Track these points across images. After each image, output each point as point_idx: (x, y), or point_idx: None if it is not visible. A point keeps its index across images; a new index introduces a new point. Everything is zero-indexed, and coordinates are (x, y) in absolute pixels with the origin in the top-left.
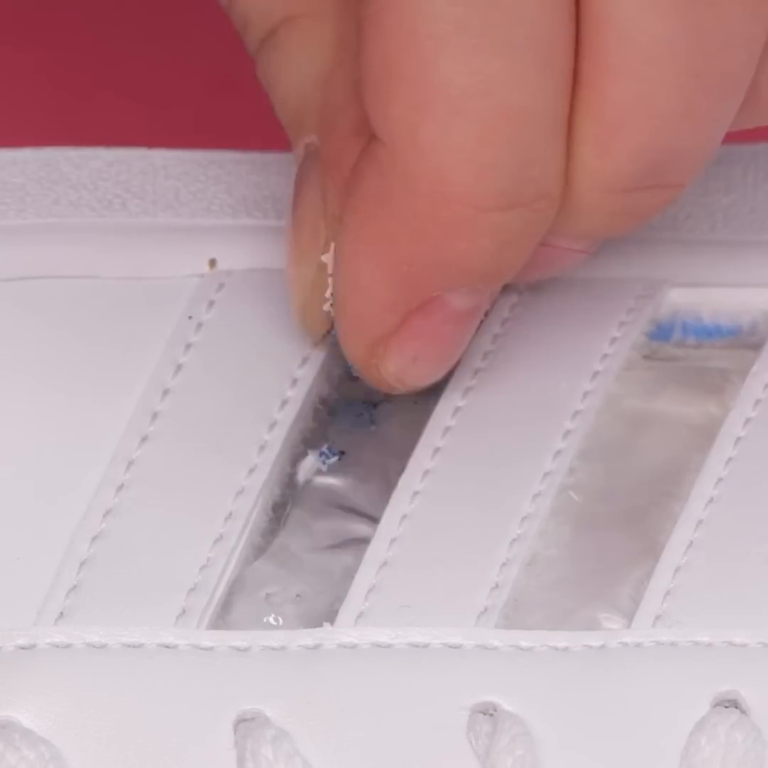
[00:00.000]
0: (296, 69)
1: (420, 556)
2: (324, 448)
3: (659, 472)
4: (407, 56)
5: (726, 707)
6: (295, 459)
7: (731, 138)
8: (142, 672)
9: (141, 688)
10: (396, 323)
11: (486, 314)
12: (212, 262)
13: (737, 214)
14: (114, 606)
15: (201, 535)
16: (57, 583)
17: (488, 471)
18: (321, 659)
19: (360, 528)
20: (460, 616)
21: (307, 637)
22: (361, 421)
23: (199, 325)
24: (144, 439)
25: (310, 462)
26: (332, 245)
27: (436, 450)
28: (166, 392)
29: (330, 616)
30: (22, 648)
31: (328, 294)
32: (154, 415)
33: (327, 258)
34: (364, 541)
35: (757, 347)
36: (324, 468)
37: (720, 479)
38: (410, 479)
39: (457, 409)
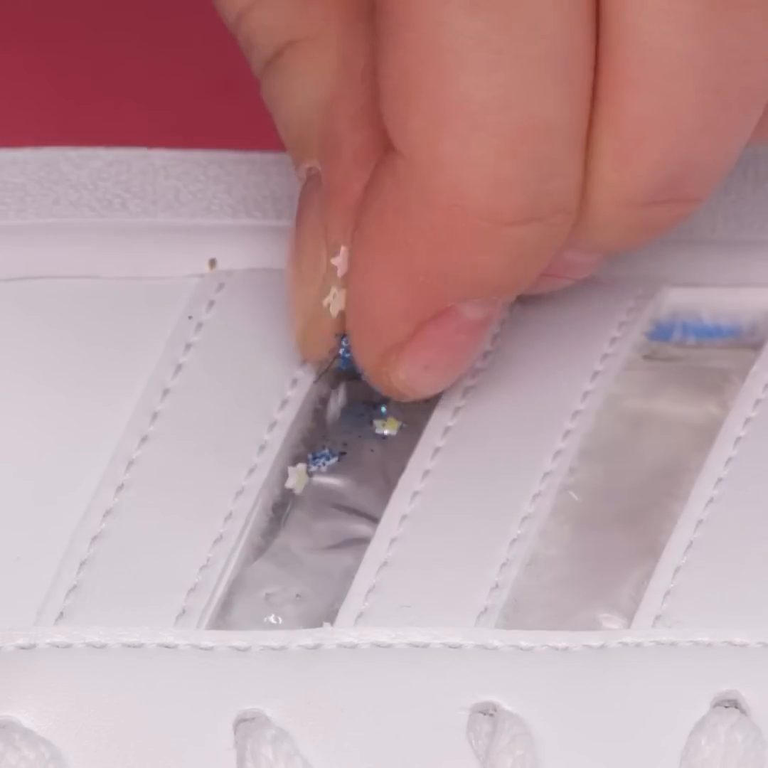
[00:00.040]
0: (300, 93)
1: (420, 556)
2: (324, 451)
3: (659, 472)
4: (427, 70)
5: (726, 707)
6: (295, 459)
7: None
8: (142, 672)
9: (141, 688)
10: (409, 332)
11: None
12: (212, 262)
13: (737, 214)
14: (114, 606)
15: (201, 535)
16: (57, 583)
17: (488, 471)
18: (321, 659)
19: (360, 528)
20: (460, 616)
21: (307, 637)
22: (361, 421)
23: (199, 325)
24: (144, 439)
25: (296, 473)
26: (342, 250)
27: (436, 450)
28: (166, 392)
29: (330, 616)
30: (22, 648)
31: (329, 300)
32: (154, 415)
33: (337, 261)
34: (364, 541)
35: (757, 347)
36: (324, 469)
37: (720, 479)
38: (410, 479)
39: (457, 410)
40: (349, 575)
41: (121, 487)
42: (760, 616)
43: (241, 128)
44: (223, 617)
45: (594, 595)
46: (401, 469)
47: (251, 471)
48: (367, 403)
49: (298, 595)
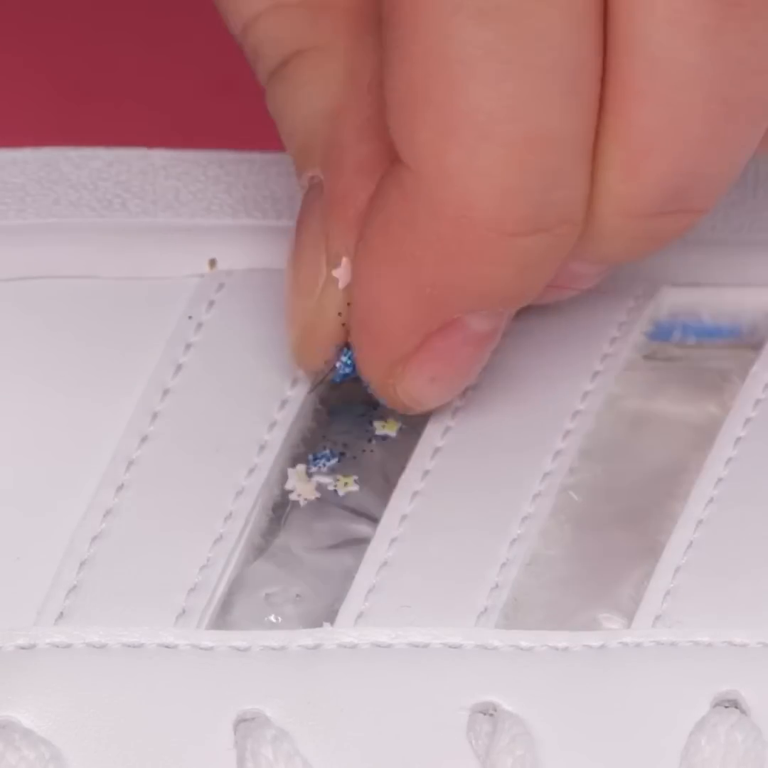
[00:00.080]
0: (305, 102)
1: (420, 556)
2: (324, 451)
3: (659, 472)
4: (435, 81)
5: (726, 707)
6: (295, 459)
7: None
8: (142, 672)
9: (141, 688)
10: (415, 344)
11: None
12: (212, 262)
13: (737, 213)
14: (114, 606)
15: (201, 535)
16: (57, 583)
17: (488, 471)
18: (321, 659)
19: (360, 528)
20: (460, 616)
21: (307, 637)
22: (361, 421)
23: (199, 325)
24: (144, 439)
25: (296, 474)
26: (344, 261)
27: (436, 450)
28: (166, 392)
29: (330, 616)
30: (22, 648)
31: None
32: (154, 415)
33: (338, 273)
34: (364, 541)
35: (757, 347)
36: (324, 469)
37: (720, 479)
38: (410, 479)
39: (457, 410)
40: (349, 575)
41: (121, 487)
42: (760, 616)
43: (241, 128)
44: (223, 617)
45: (594, 595)
46: (401, 469)
47: (251, 471)
48: (367, 403)
49: (298, 595)
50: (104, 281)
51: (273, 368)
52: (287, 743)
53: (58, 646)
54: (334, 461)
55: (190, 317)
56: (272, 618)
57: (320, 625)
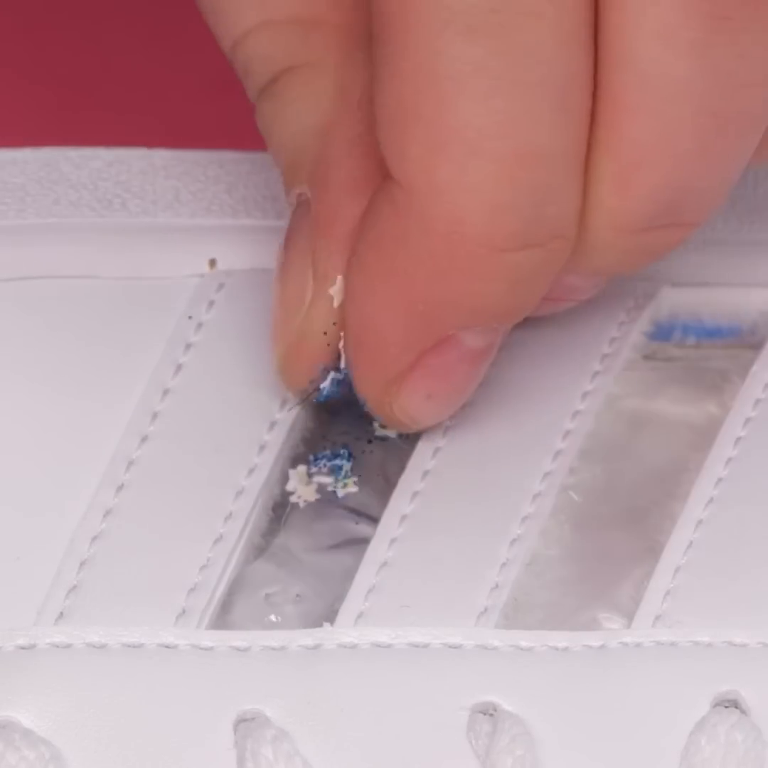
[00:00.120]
0: (294, 118)
1: (420, 556)
2: (325, 452)
3: (659, 472)
4: (424, 97)
5: (726, 707)
6: (296, 460)
7: None
8: (142, 672)
9: (141, 688)
10: (410, 362)
11: None
12: (212, 262)
13: (737, 214)
14: (114, 606)
15: (201, 535)
16: (57, 583)
17: (488, 471)
18: (321, 659)
19: (360, 528)
20: (460, 616)
21: (307, 637)
22: (361, 421)
23: (199, 325)
24: (144, 439)
25: (297, 475)
26: (339, 279)
27: (436, 450)
28: (166, 392)
29: (330, 616)
30: (22, 648)
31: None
32: (154, 415)
33: (334, 291)
34: (364, 541)
35: (757, 347)
36: (324, 469)
37: (720, 479)
38: (410, 479)
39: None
40: (349, 575)
41: (121, 487)
42: (760, 616)
43: (241, 128)
44: (223, 617)
45: (594, 595)
46: (401, 469)
47: (251, 471)
48: None
49: (298, 595)
50: (104, 281)
51: (273, 368)
52: (287, 743)
53: (58, 646)
54: (334, 462)
55: (190, 317)
56: (272, 618)
57: (320, 625)
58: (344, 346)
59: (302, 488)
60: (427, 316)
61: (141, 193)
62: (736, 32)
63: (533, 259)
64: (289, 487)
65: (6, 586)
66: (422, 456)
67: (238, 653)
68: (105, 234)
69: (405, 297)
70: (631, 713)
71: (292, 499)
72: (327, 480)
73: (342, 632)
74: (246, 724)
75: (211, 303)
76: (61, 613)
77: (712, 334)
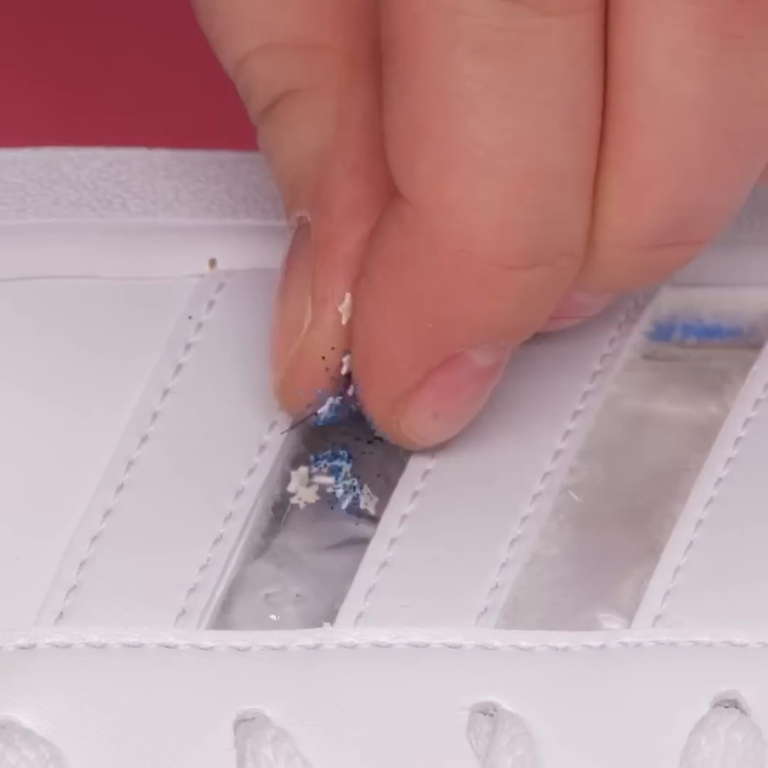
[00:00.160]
0: (295, 142)
1: (420, 556)
2: (326, 452)
3: (659, 472)
4: (434, 115)
5: (726, 707)
6: (296, 460)
7: None
8: (142, 672)
9: (141, 688)
10: (418, 380)
11: None
12: (212, 262)
13: (737, 214)
14: (114, 606)
15: (201, 535)
16: (57, 583)
17: (488, 471)
18: (321, 659)
19: (360, 528)
20: (460, 616)
21: (307, 637)
22: (361, 421)
23: (199, 325)
24: (144, 439)
25: (298, 477)
26: (348, 297)
27: (436, 450)
28: (166, 392)
29: (330, 616)
30: (22, 648)
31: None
32: (154, 415)
33: (343, 308)
34: (364, 541)
35: (757, 347)
36: (324, 470)
37: (720, 479)
38: (410, 479)
39: None
40: (349, 575)
41: (121, 487)
42: (760, 616)
43: (241, 128)
44: (223, 617)
45: (594, 595)
46: (401, 469)
47: (251, 471)
48: None
49: (298, 595)
50: (104, 281)
51: (271, 392)
52: (287, 743)
53: (58, 646)
54: (335, 462)
55: (190, 317)
56: (272, 618)
57: (320, 625)
58: (352, 363)
59: (303, 490)
60: (436, 334)
61: (141, 193)
62: (747, 50)
63: (542, 277)
64: (291, 488)
65: (6, 586)
66: (422, 456)
67: (238, 653)
68: (105, 234)
69: (414, 315)
70: (631, 713)
71: (293, 500)
72: (327, 481)
73: (342, 632)
74: (246, 724)
75: (211, 303)
76: (61, 613)
77: (712, 334)
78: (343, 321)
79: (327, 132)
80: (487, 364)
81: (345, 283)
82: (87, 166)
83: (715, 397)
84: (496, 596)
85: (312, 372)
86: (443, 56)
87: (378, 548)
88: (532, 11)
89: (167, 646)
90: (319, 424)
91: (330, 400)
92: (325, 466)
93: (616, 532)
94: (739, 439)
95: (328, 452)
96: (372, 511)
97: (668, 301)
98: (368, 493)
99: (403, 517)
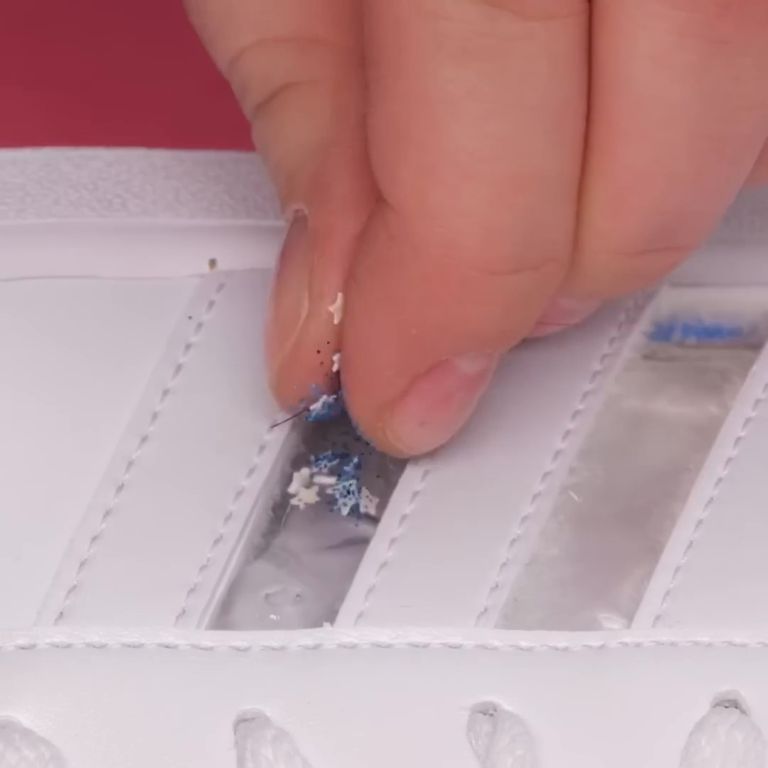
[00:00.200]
0: (292, 135)
1: (420, 556)
2: (326, 452)
3: (659, 472)
4: (417, 120)
5: (726, 707)
6: (296, 459)
7: None
8: (142, 672)
9: (141, 688)
10: (403, 387)
11: None
12: (212, 262)
13: (737, 213)
14: (114, 606)
15: (201, 535)
16: (57, 583)
17: (488, 471)
18: (321, 659)
19: (360, 528)
20: (460, 616)
21: (307, 637)
22: None
23: (199, 325)
24: (144, 439)
25: (300, 478)
26: (340, 297)
27: (436, 450)
28: (166, 392)
29: (330, 616)
30: (22, 648)
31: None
32: (154, 415)
33: (335, 309)
34: (364, 541)
35: (757, 347)
36: (325, 470)
37: (720, 479)
38: (410, 479)
39: None
40: (349, 575)
41: (121, 487)
42: (760, 616)
43: (241, 128)
44: (223, 617)
45: (594, 595)
46: (401, 469)
47: (251, 471)
48: None
49: (298, 595)
50: (104, 281)
51: (266, 385)
52: (287, 743)
53: (58, 646)
54: (335, 462)
55: (190, 317)
56: (272, 618)
57: (320, 625)
58: (339, 366)
59: (304, 491)
60: (421, 340)
61: (141, 193)
62: (732, 55)
63: (527, 282)
64: (292, 489)
65: (6, 586)
66: (422, 456)
67: (238, 653)
68: (105, 234)
69: (398, 320)
70: (631, 713)
71: (293, 501)
72: (328, 481)
73: (342, 632)
74: (246, 724)
75: (211, 303)
76: (61, 613)
77: (712, 334)
78: (335, 320)
79: (325, 125)
80: (473, 372)
81: (342, 275)
82: (87, 166)
83: (715, 397)
84: (496, 596)
85: (307, 365)
86: (426, 61)
87: (378, 548)
88: (514, 16)
89: (167, 646)
90: (311, 419)
91: (324, 397)
92: (325, 466)
93: (616, 532)
94: (739, 439)
95: (329, 452)
96: (372, 511)
97: (668, 301)
98: (367, 497)
99: (403, 517)
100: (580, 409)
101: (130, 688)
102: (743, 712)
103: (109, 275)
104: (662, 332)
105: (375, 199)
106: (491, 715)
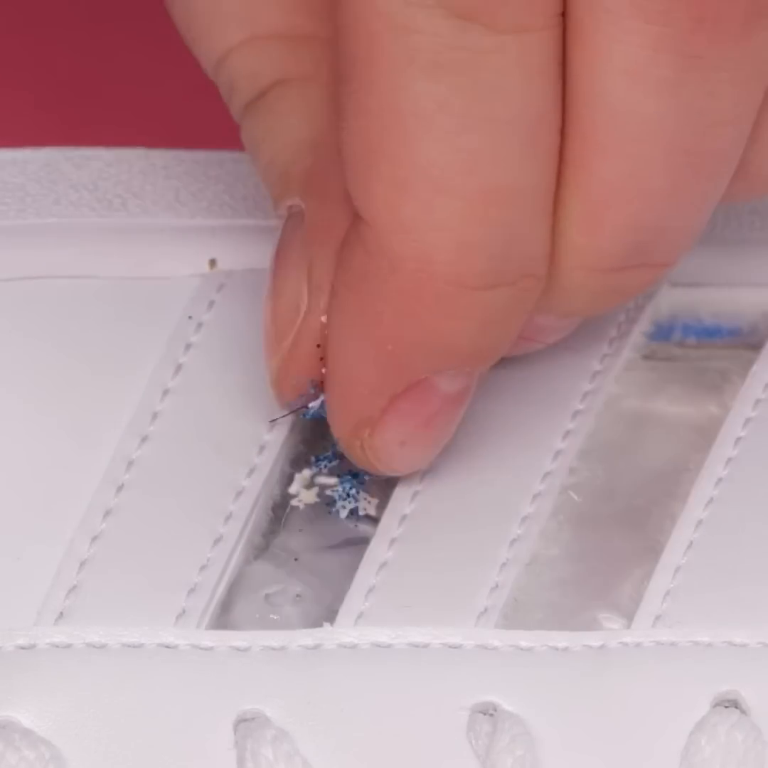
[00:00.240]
0: (285, 131)
1: (420, 556)
2: (326, 453)
3: (659, 472)
4: (389, 134)
5: (726, 707)
6: (296, 459)
7: None
8: (142, 672)
9: (141, 688)
10: (382, 406)
11: None
12: (212, 262)
13: (737, 213)
14: (114, 606)
15: (201, 535)
16: (57, 583)
17: (488, 471)
18: (321, 659)
19: (360, 528)
20: (460, 616)
21: (307, 637)
22: None
23: (199, 325)
24: (144, 439)
25: (301, 479)
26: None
27: None
28: (166, 392)
29: (330, 616)
30: (22, 648)
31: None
32: (154, 415)
33: (326, 319)
34: (364, 541)
35: (757, 347)
36: (325, 470)
37: (720, 479)
38: (410, 479)
39: None
40: (348, 575)
41: (121, 487)
42: (760, 616)
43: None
44: (223, 617)
45: (594, 595)
46: None
47: (251, 471)
48: None
49: (298, 595)
50: (104, 281)
51: (267, 381)
52: (287, 743)
53: (58, 646)
54: (335, 463)
55: (190, 317)
56: (272, 617)
57: (320, 625)
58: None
59: (304, 492)
60: (397, 356)
61: (141, 193)
62: (706, 70)
63: (503, 297)
64: (292, 490)
65: (6, 586)
66: None
67: (238, 653)
68: (105, 234)
69: (375, 336)
70: (631, 713)
71: (294, 502)
72: (328, 482)
73: (342, 632)
74: (246, 724)
75: (211, 303)
76: (61, 613)
77: (712, 334)
78: (323, 319)
79: (318, 120)
80: (453, 391)
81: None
82: (87, 166)
83: (715, 397)
84: (496, 596)
85: (308, 360)
86: (398, 75)
87: (378, 548)
88: (485, 29)
89: (167, 646)
90: (308, 417)
91: (322, 396)
92: (326, 466)
93: (616, 532)
94: (739, 439)
95: (329, 453)
96: (372, 512)
97: (668, 301)
98: (366, 499)
99: (403, 517)
100: (580, 409)
101: (130, 688)
102: (743, 712)
103: (108, 275)
104: (662, 332)
105: (353, 217)
106: (491, 715)
